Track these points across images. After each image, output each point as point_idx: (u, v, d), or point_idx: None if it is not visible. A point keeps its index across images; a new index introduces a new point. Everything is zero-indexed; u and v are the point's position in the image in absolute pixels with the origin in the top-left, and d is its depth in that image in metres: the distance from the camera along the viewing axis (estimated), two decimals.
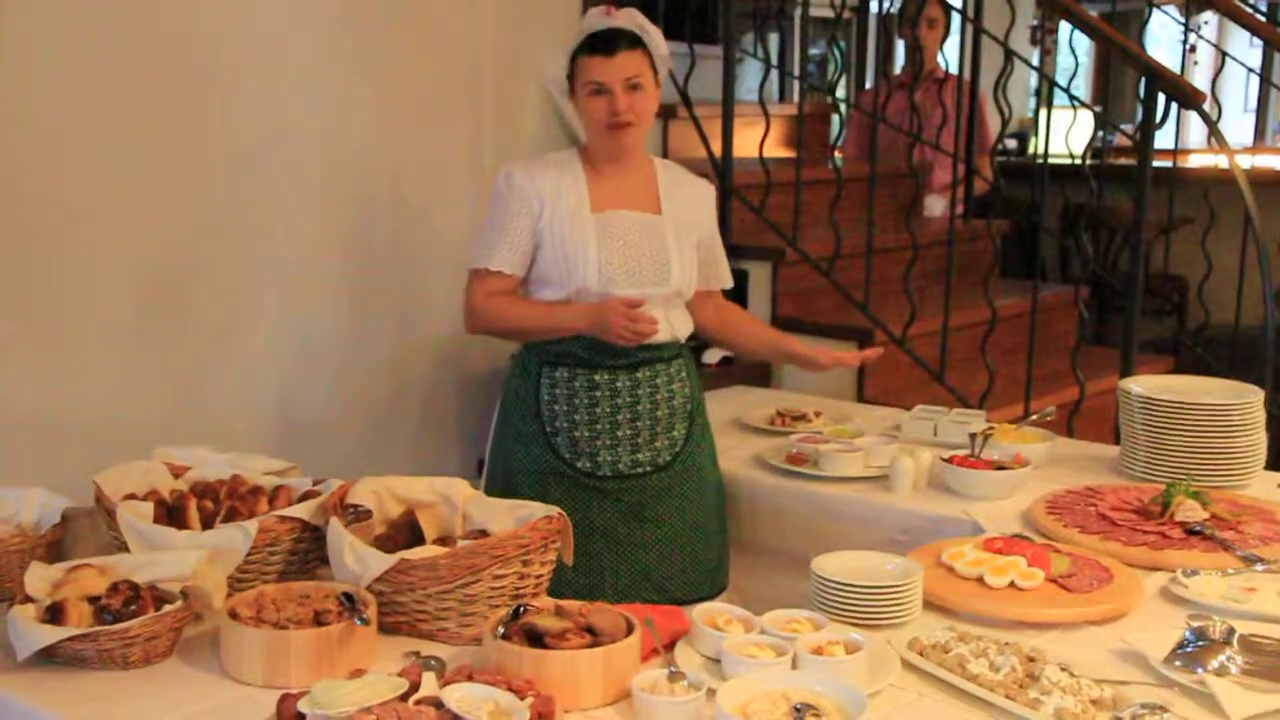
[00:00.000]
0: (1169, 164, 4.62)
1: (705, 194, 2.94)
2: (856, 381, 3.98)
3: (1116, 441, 3.45)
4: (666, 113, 4.46)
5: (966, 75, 4.56)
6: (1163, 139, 3.68)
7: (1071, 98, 3.65)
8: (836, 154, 4.81)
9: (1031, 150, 8.35)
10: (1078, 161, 3.88)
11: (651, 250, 2.77)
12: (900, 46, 6.90)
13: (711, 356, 3.98)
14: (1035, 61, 8.52)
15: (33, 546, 2.16)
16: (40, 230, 3.16)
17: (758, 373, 4.07)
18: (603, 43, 2.69)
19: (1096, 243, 5.81)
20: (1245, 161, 4.90)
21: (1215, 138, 3.42)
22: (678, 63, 4.26)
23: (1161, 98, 3.42)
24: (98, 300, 3.28)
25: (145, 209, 3.32)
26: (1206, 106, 3.55)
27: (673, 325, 2.83)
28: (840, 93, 4.59)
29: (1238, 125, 9.59)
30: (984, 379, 3.89)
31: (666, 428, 2.84)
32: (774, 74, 5.32)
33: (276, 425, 3.62)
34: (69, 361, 3.24)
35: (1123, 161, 6.26)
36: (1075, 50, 3.79)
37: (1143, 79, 3.38)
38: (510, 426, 2.88)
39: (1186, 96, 3.34)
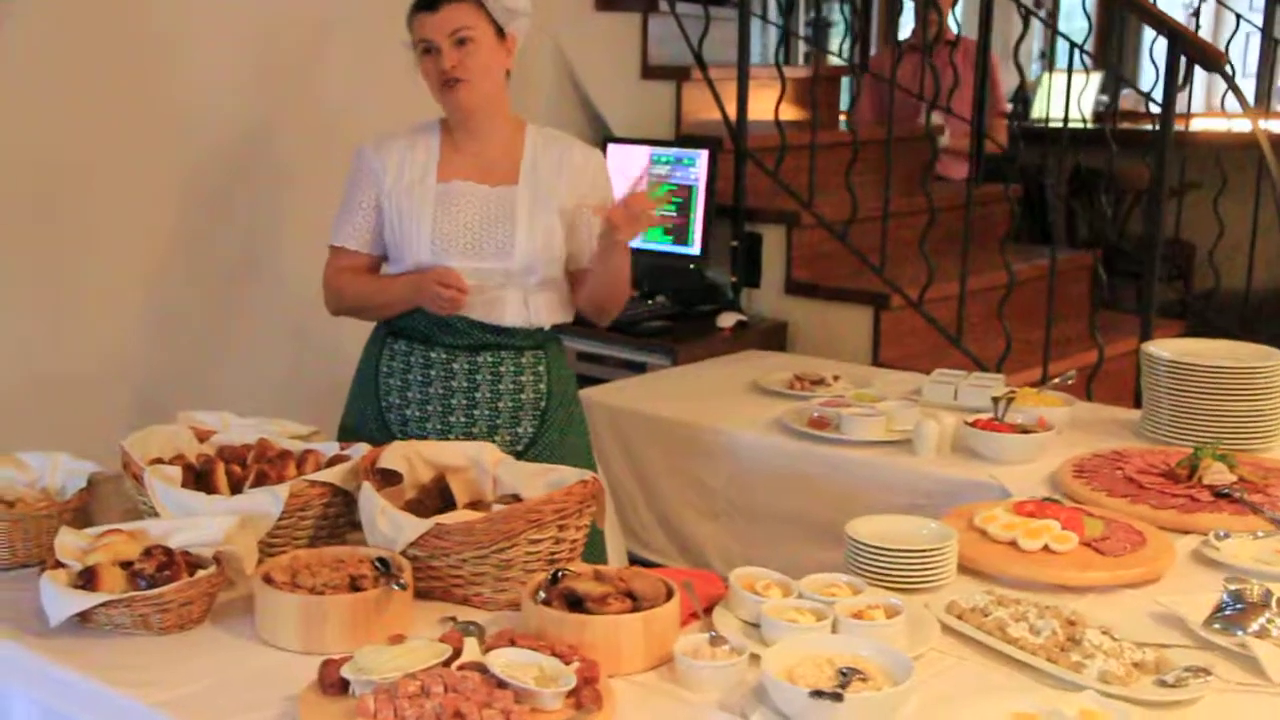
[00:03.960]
0: (1179, 128, 4.58)
1: (580, 162, 2.67)
2: (872, 346, 3.96)
3: (1134, 405, 3.46)
4: (680, 75, 4.43)
5: (976, 37, 4.54)
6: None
7: (1089, 58, 3.62)
8: (842, 117, 4.76)
9: (1036, 114, 8.31)
10: (1085, 125, 3.86)
11: (497, 222, 2.58)
12: (906, 7, 6.85)
13: (726, 320, 3.97)
14: (1031, 26, 8.46)
15: (60, 512, 2.14)
16: (53, 198, 3.15)
17: (771, 337, 4.06)
18: None
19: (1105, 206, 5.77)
20: (1248, 125, 4.87)
21: (1239, 100, 3.40)
22: (691, 25, 4.24)
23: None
24: (106, 266, 3.27)
25: (155, 178, 3.32)
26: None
27: (529, 311, 2.63)
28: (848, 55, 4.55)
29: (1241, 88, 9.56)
30: (997, 343, 3.88)
31: (509, 422, 2.64)
32: (779, 36, 5.29)
33: (289, 390, 3.61)
34: (80, 327, 3.24)
35: (1125, 126, 6.25)
36: (1089, 13, 3.76)
37: (1166, 41, 3.36)
38: (352, 397, 2.78)
39: (1209, 59, 3.31)
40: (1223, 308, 4.65)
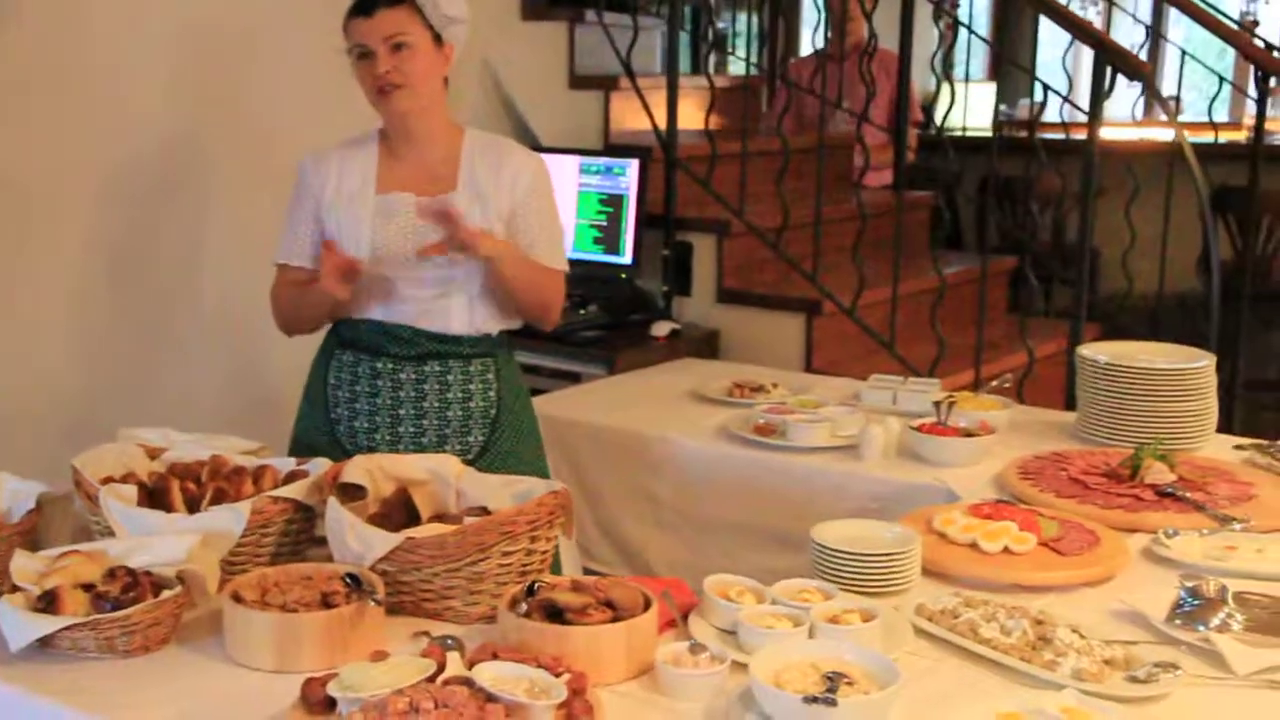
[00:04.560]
0: (1063, 136, 4.68)
1: (516, 167, 2.63)
2: (804, 352, 4.00)
3: (1065, 407, 3.53)
4: (608, 84, 4.44)
5: (888, 46, 4.61)
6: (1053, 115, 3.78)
7: (1032, 77, 3.70)
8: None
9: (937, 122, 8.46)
10: (992, 134, 3.92)
11: (437, 230, 2.52)
12: (814, 17, 6.90)
13: (660, 329, 3.98)
14: (936, 37, 8.65)
15: (10, 535, 2.07)
16: None
17: (704, 345, 4.08)
18: (362, 3, 2.51)
19: (1014, 214, 5.91)
20: (1136, 134, 5.02)
21: (1164, 110, 3.51)
22: (618, 35, 4.25)
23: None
24: (27, 282, 3.19)
25: (78, 194, 3.26)
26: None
27: (475, 318, 2.61)
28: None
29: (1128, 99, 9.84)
30: (923, 347, 3.94)
31: (459, 432, 2.63)
32: (687, 45, 5.33)
33: (219, 407, 3.54)
34: (8, 346, 3.16)
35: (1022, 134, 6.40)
36: (1002, 24, 3.83)
37: (1091, 51, 3.45)
38: (302, 409, 2.75)
39: (1133, 69, 3.41)
40: (1132, 311, 4.77)
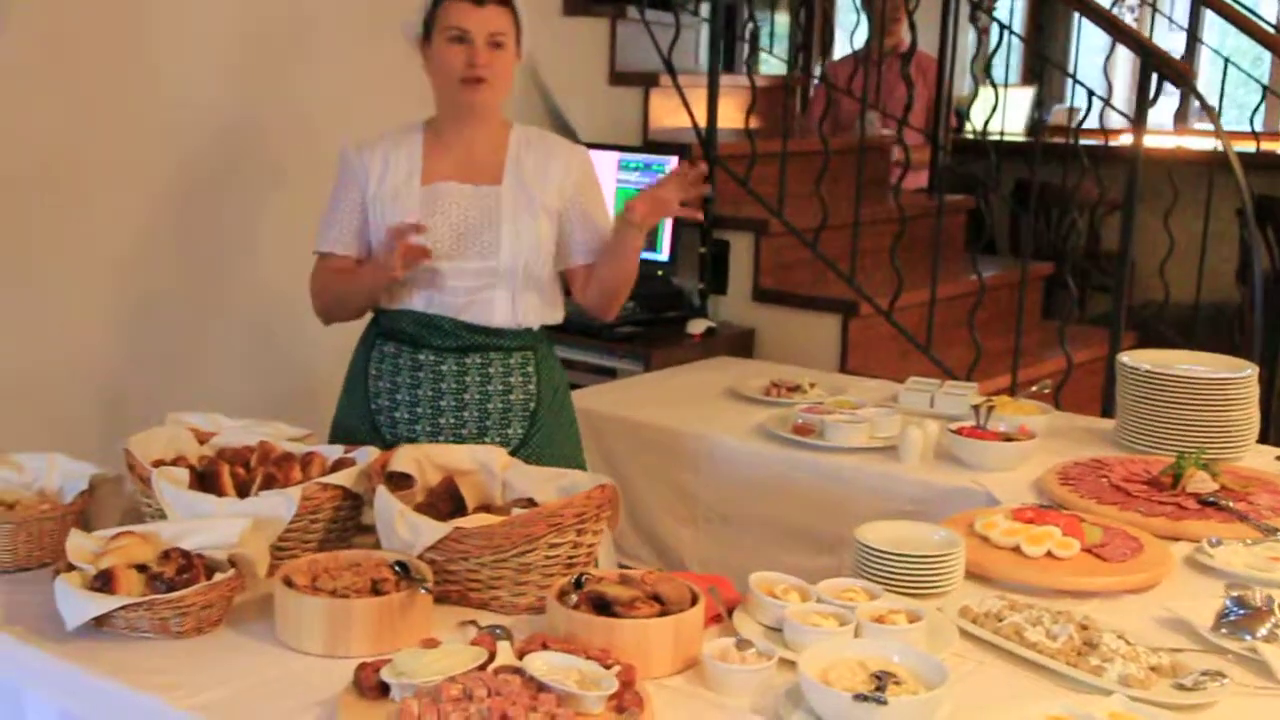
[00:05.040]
0: (1100, 143, 4.67)
1: (565, 161, 2.67)
2: (839, 353, 4.00)
3: (1101, 413, 3.53)
4: (648, 81, 4.44)
5: (923, 48, 4.60)
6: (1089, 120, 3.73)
7: (1076, 81, 3.70)
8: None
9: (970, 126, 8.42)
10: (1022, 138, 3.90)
11: (483, 223, 2.58)
12: (850, 19, 6.89)
13: (696, 327, 3.99)
14: (973, 40, 8.63)
15: (63, 514, 2.10)
16: (23, 195, 3.10)
17: (739, 344, 4.08)
18: None
19: (1048, 219, 5.89)
20: (1170, 142, 4.99)
21: (1209, 117, 3.49)
22: (659, 32, 4.26)
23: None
24: (75, 264, 3.22)
25: (128, 177, 3.29)
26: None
27: (517, 311, 2.62)
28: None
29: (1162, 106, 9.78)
30: (956, 351, 3.94)
31: (499, 424, 2.64)
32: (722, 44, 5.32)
33: (260, 392, 3.57)
34: (48, 327, 3.19)
35: (1060, 140, 6.38)
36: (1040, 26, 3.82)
37: (1139, 58, 3.43)
38: (343, 398, 2.77)
39: (1179, 75, 3.40)
40: (1167, 319, 4.76)
